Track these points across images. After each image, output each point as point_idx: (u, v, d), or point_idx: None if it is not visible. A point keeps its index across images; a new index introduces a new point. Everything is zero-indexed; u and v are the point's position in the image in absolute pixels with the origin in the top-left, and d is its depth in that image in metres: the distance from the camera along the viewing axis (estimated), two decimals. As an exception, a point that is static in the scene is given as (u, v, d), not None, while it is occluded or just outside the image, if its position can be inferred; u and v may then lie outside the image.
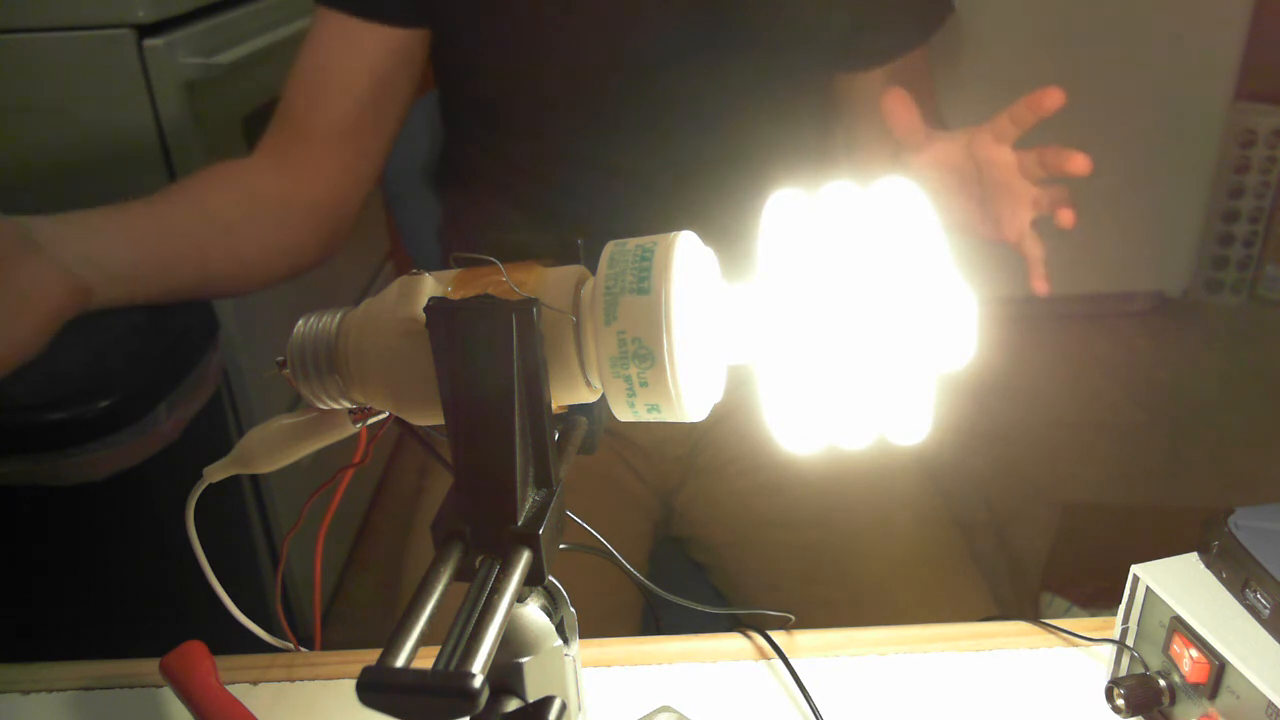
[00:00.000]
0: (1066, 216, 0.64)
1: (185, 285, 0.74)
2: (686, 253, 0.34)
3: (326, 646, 0.59)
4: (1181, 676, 0.48)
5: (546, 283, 0.35)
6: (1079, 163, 0.61)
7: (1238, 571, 0.49)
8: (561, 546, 0.38)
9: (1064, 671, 0.57)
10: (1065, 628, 0.59)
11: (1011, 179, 0.65)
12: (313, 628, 0.57)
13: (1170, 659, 0.49)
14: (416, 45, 0.81)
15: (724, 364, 0.36)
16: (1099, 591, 1.48)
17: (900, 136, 0.68)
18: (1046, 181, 0.65)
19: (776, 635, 0.59)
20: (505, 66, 0.82)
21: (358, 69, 0.80)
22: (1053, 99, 0.61)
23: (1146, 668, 0.51)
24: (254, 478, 1.34)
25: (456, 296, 0.34)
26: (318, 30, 0.80)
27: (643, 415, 0.35)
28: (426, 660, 0.29)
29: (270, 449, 0.43)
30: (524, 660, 0.38)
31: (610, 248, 0.35)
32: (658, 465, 0.89)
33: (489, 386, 0.33)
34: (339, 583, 1.64)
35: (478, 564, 0.34)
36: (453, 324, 0.33)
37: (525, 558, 0.33)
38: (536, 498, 0.35)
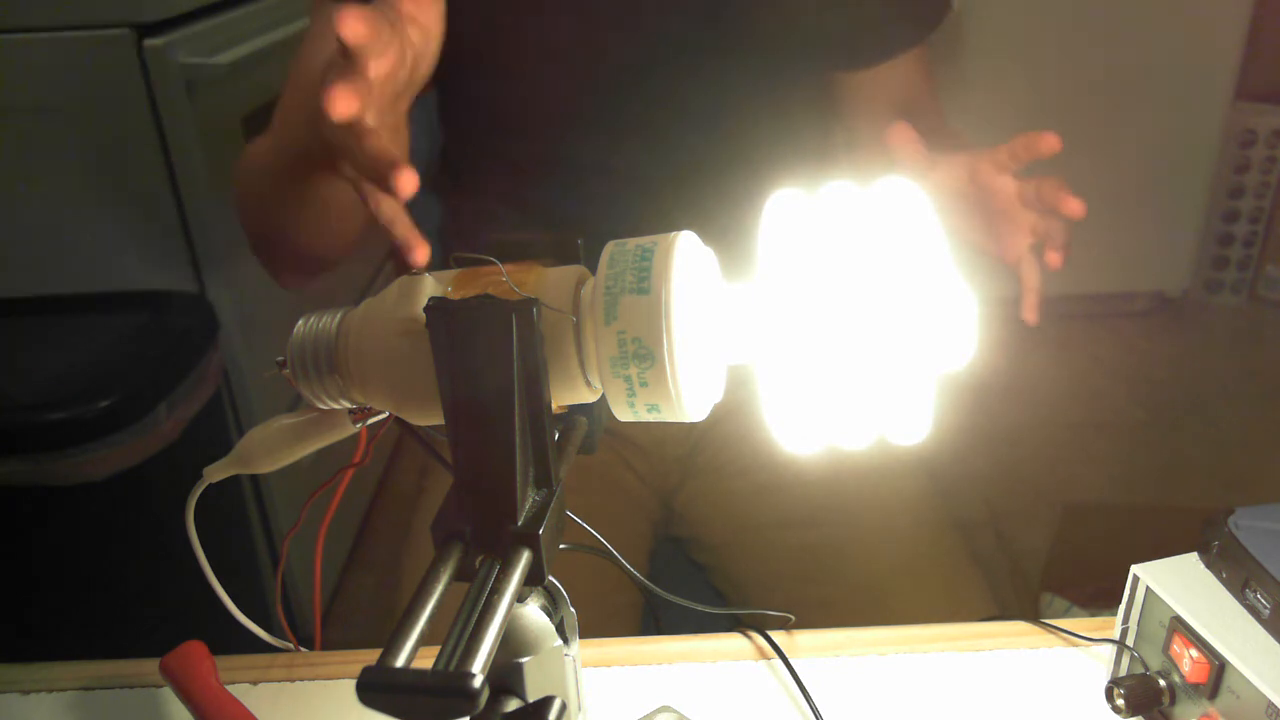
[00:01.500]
0: (1054, 259, 0.65)
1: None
2: (686, 253, 0.34)
3: (326, 646, 0.59)
4: (1181, 676, 0.48)
5: (546, 283, 0.35)
6: (1072, 206, 0.62)
7: (1238, 571, 0.49)
8: (561, 546, 0.38)
9: (1064, 671, 0.57)
10: (1065, 628, 0.59)
11: (1011, 207, 0.66)
12: (313, 628, 0.57)
13: (1170, 659, 0.49)
14: None
15: (724, 364, 0.36)
16: (1099, 591, 1.48)
17: (905, 166, 0.69)
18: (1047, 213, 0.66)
19: (776, 635, 0.59)
20: (504, 67, 0.82)
21: None
22: (1048, 144, 0.63)
23: (1146, 668, 0.51)
24: (254, 478, 1.34)
25: (456, 296, 0.34)
26: (322, 30, 0.79)
27: (643, 415, 0.35)
28: (426, 660, 0.29)
29: (270, 449, 0.43)
30: (524, 660, 0.38)
31: (610, 248, 0.35)
32: (658, 465, 0.89)
33: (489, 386, 0.33)
34: (339, 583, 1.64)
35: (478, 564, 0.34)
36: (453, 324, 0.33)
37: (525, 558, 0.33)
38: (536, 498, 0.35)
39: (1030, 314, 0.69)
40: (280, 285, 0.82)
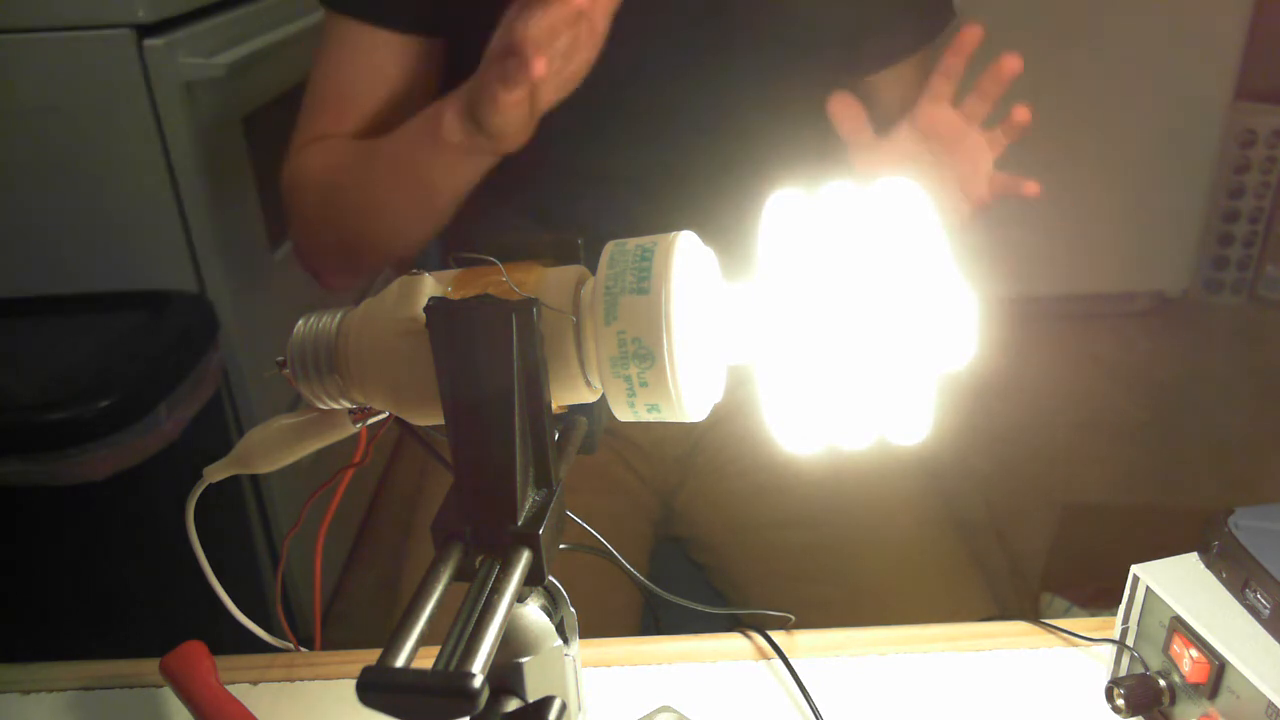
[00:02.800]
0: (1021, 113, 0.64)
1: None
2: (686, 253, 0.34)
3: (326, 646, 0.59)
4: (1181, 676, 0.48)
5: (546, 283, 0.35)
6: (1010, 63, 0.61)
7: (1238, 571, 0.49)
8: (561, 546, 0.38)
9: (1064, 671, 0.57)
10: (1065, 628, 0.59)
11: (960, 133, 0.65)
12: (313, 628, 0.57)
13: (1170, 659, 0.49)
14: (436, 53, 0.81)
15: (724, 364, 0.36)
16: (1099, 591, 1.48)
17: (847, 139, 0.69)
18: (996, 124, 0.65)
19: (776, 635, 0.59)
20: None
21: (382, 78, 0.79)
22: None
23: (1146, 668, 0.51)
24: (254, 478, 1.34)
25: (456, 296, 0.34)
26: (338, 44, 0.79)
27: (643, 415, 0.35)
28: (426, 660, 0.29)
29: (270, 449, 0.43)
30: (524, 660, 0.38)
31: (610, 248, 0.35)
32: (657, 465, 0.89)
33: (489, 386, 0.33)
34: (339, 583, 1.64)
35: (478, 564, 0.34)
36: (453, 324, 0.33)
37: (525, 558, 0.33)
38: (536, 498, 0.35)
39: (1030, 187, 0.68)
40: (323, 286, 0.84)
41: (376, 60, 0.79)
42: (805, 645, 0.59)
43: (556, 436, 0.38)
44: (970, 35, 0.62)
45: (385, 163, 0.74)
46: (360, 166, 0.76)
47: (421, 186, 0.72)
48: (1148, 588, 0.51)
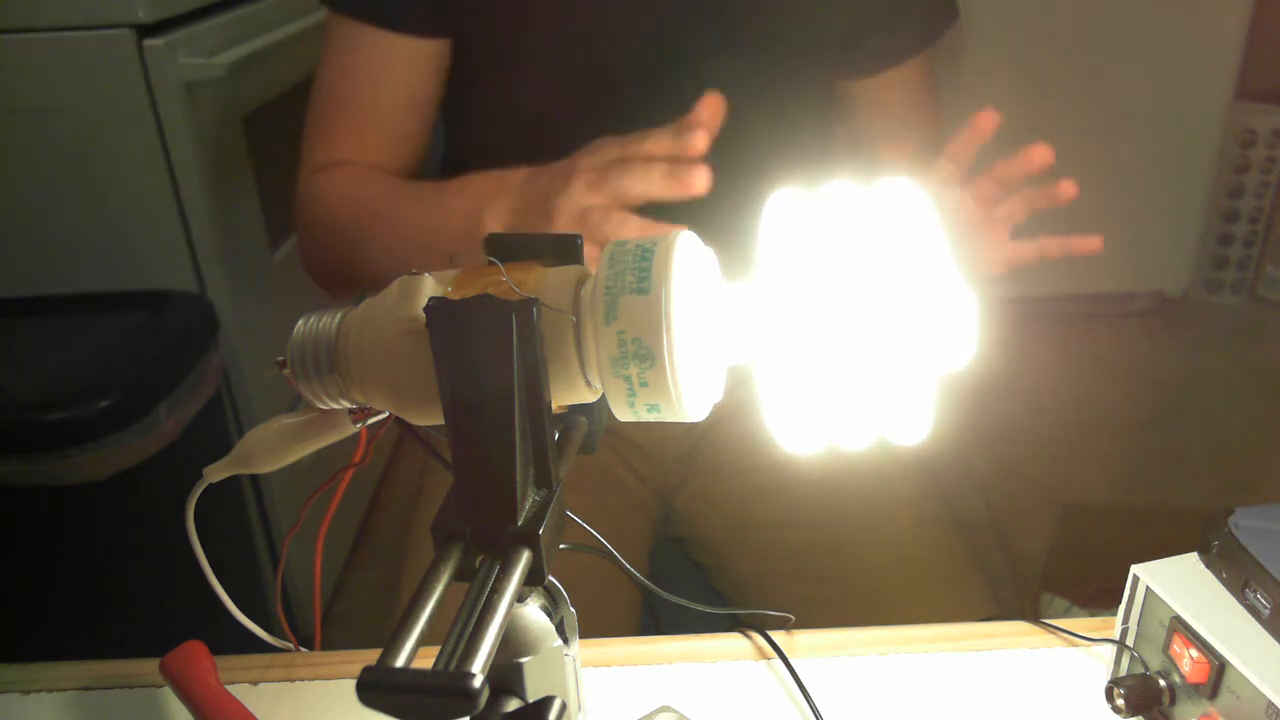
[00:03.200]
0: (1068, 188, 0.59)
1: None
2: (686, 252, 0.34)
3: (326, 646, 0.59)
4: (1181, 676, 0.48)
5: (546, 283, 0.35)
6: (1039, 155, 0.57)
7: (1238, 571, 0.49)
8: (561, 546, 0.38)
9: (1064, 671, 0.57)
10: (1065, 628, 0.59)
11: (973, 216, 0.62)
12: (313, 628, 0.57)
13: (1170, 659, 0.49)
14: (441, 55, 0.81)
15: (724, 364, 0.36)
16: (1099, 591, 1.48)
17: None
18: (1015, 190, 0.62)
19: (776, 635, 0.59)
20: (505, 69, 0.82)
21: (390, 83, 0.79)
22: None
23: (1146, 668, 0.51)
24: (254, 478, 1.34)
25: (456, 296, 0.34)
26: (342, 50, 0.79)
27: (643, 415, 0.35)
28: (426, 660, 0.29)
29: (270, 449, 0.43)
30: (524, 660, 0.38)
31: (610, 247, 0.35)
32: (657, 465, 0.89)
33: (489, 386, 0.33)
34: (339, 583, 1.64)
35: (478, 564, 0.34)
36: (453, 324, 0.33)
37: (525, 558, 0.33)
38: (536, 498, 0.35)
39: (1093, 243, 0.63)
40: (325, 291, 0.84)
41: (384, 65, 0.79)
42: (805, 645, 0.59)
43: (556, 436, 0.38)
44: (985, 122, 0.58)
45: (414, 235, 0.73)
46: (383, 228, 0.75)
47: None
48: (1148, 588, 0.51)
